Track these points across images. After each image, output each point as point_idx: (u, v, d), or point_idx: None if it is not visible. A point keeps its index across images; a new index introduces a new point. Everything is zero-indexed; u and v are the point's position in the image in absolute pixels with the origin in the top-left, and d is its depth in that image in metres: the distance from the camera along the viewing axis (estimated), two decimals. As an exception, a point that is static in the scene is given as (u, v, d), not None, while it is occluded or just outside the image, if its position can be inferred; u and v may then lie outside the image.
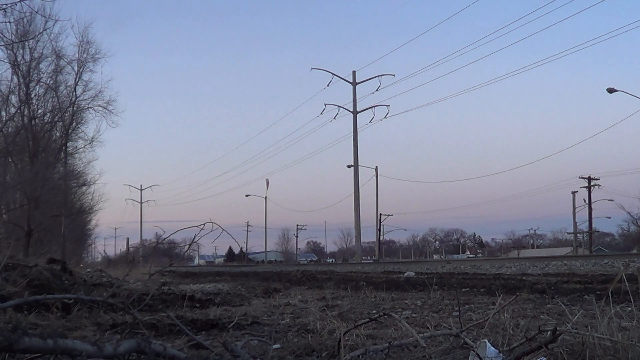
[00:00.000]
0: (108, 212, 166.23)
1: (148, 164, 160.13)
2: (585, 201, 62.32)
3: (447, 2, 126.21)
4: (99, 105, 37.57)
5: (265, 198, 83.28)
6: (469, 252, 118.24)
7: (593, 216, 61.92)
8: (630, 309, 4.48)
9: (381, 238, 66.94)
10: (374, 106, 47.06)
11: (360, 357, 3.13)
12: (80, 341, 2.87)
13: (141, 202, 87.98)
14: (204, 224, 4.36)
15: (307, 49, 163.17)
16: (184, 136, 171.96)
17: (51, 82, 34.85)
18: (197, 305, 7.39)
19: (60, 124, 37.06)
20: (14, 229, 26.85)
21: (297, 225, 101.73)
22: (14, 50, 30.58)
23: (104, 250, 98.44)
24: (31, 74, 32.88)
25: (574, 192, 64.47)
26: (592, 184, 61.73)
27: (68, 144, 38.25)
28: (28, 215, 27.10)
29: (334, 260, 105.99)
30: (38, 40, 31.31)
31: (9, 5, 12.21)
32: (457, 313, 4.88)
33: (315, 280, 13.65)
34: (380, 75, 46.36)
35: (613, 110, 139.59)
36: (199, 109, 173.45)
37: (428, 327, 4.60)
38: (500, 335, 3.65)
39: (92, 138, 39.12)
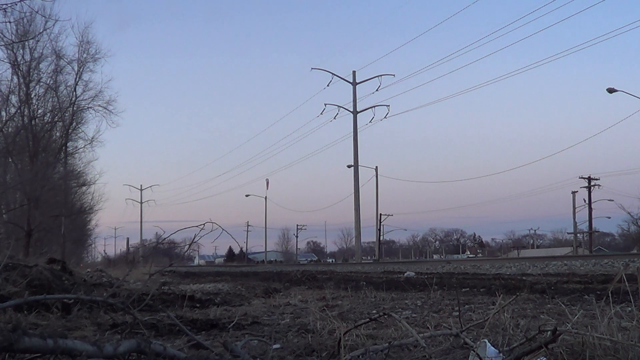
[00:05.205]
0: (108, 212, 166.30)
1: (148, 164, 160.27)
2: (585, 201, 62.34)
3: (447, 2, 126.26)
4: (99, 105, 37.55)
5: (265, 198, 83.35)
6: (469, 252, 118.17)
7: (593, 216, 61.97)
8: (630, 309, 4.48)
9: (381, 238, 66.93)
10: (374, 106, 47.11)
11: (360, 357, 3.13)
12: (80, 341, 2.87)
13: (141, 202, 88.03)
14: (204, 224, 4.36)
15: (307, 49, 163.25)
16: (183, 136, 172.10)
17: (51, 82, 34.85)
18: (197, 305, 7.39)
19: (60, 124, 37.05)
20: (14, 229, 26.84)
21: (297, 225, 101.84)
22: (14, 50, 30.56)
23: (104, 250, 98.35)
24: (31, 74, 32.87)
25: (574, 192, 64.49)
26: (592, 184, 61.74)
27: (68, 144, 38.26)
28: (28, 215, 27.09)
29: (334, 260, 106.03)
30: (38, 40, 31.31)
31: (9, 5, 12.20)
32: (457, 313, 4.88)
33: (315, 280, 13.65)
34: (380, 75, 46.41)
35: (613, 110, 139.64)
36: (199, 109, 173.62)
37: (428, 327, 4.60)
38: (500, 335, 3.65)
39: (92, 138, 39.10)
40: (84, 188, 42.34)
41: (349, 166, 47.99)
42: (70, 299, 5.79)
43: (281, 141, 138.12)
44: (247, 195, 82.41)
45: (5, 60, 29.81)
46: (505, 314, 4.40)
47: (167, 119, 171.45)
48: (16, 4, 12.19)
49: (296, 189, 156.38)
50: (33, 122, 33.43)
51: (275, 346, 3.88)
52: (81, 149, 40.35)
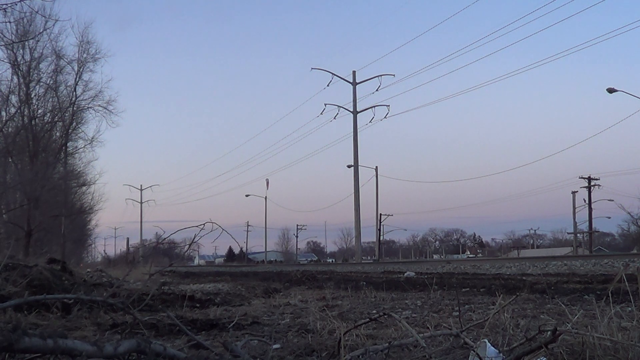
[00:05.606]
0: (108, 212, 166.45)
1: (148, 164, 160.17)
2: (585, 201, 62.34)
3: (447, 2, 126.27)
4: (99, 105, 37.61)
5: (265, 198, 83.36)
6: (469, 252, 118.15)
7: (593, 216, 61.97)
8: (630, 309, 4.48)
9: (381, 238, 66.92)
10: (374, 106, 47.11)
11: (360, 357, 3.13)
12: (80, 341, 2.87)
13: (141, 202, 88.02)
14: (204, 224, 4.36)
15: (307, 49, 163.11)
16: (184, 136, 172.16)
17: (51, 82, 34.89)
18: (197, 305, 7.39)
19: (60, 124, 37.09)
20: (14, 229, 26.85)
21: (297, 225, 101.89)
22: (14, 50, 30.60)
23: (104, 250, 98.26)
24: (31, 74, 32.90)
25: (574, 192, 64.50)
26: (592, 184, 61.74)
27: (68, 144, 38.29)
28: (28, 215, 27.10)
29: (334, 260, 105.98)
30: (38, 40, 31.36)
31: (9, 5, 12.21)
32: (457, 313, 4.88)
33: (315, 280, 13.65)
34: (380, 75, 46.40)
35: (613, 110, 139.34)
36: (199, 109, 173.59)
37: (428, 327, 4.59)
38: (500, 335, 3.65)
39: (92, 138, 39.14)
40: (84, 188, 42.42)
41: (349, 166, 48.02)
42: (70, 299, 5.79)
43: (281, 141, 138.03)
44: (247, 195, 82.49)
45: (5, 60, 29.88)
46: (505, 314, 4.40)
47: (167, 119, 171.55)
48: (16, 4, 12.20)
49: (296, 189, 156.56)
50: (33, 122, 33.46)
51: (275, 346, 3.88)
52: (81, 149, 40.45)
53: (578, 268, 15.89)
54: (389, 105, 46.78)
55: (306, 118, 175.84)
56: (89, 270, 21.25)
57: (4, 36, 23.77)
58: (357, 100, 46.97)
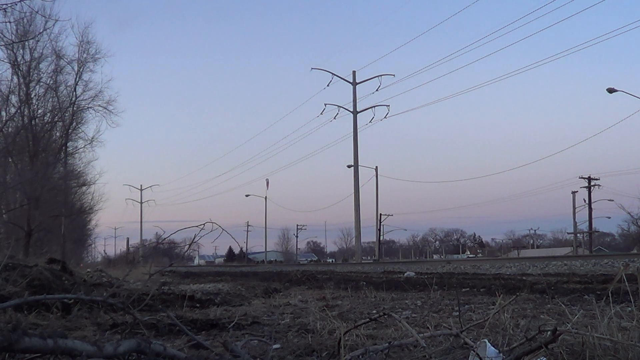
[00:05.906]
0: (108, 212, 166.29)
1: (148, 164, 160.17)
2: (585, 201, 62.34)
3: (447, 2, 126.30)
4: (99, 105, 37.64)
5: (265, 198, 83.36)
6: (469, 252, 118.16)
7: (593, 216, 61.96)
8: (630, 309, 4.48)
9: (381, 238, 66.93)
10: (374, 106, 47.10)
11: (360, 357, 3.13)
12: (80, 341, 2.87)
13: (141, 202, 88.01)
14: (204, 224, 4.37)
15: (307, 49, 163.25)
16: (184, 136, 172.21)
17: (51, 82, 34.91)
18: (197, 305, 7.39)
19: (60, 124, 37.11)
20: (14, 229, 26.85)
21: (297, 225, 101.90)
22: (14, 50, 30.62)
23: (104, 250, 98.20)
24: (31, 74, 32.91)
25: (574, 192, 64.50)
26: (592, 184, 61.75)
27: (68, 144, 38.31)
28: (28, 215, 27.10)
29: (334, 260, 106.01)
30: (38, 40, 31.38)
31: (9, 5, 12.21)
32: (457, 313, 4.88)
33: (315, 280, 13.64)
34: (380, 75, 46.38)
35: (613, 110, 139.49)
36: (199, 109, 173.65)
37: (428, 327, 4.59)
38: (500, 335, 3.65)
39: (92, 138, 39.16)
40: (84, 188, 42.43)
41: (349, 166, 48.02)
42: (70, 299, 5.79)
43: (281, 141, 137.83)
44: (247, 195, 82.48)
45: (5, 60, 29.89)
46: (505, 314, 4.40)
47: (167, 119, 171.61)
48: (16, 4, 12.20)
49: (296, 189, 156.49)
50: (33, 122, 33.47)
51: (275, 346, 3.88)
52: (81, 149, 40.47)
53: (578, 268, 15.89)
54: (389, 105, 46.82)
55: (306, 118, 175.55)
56: (89, 270, 21.24)
57: (4, 36, 23.80)
58: (357, 100, 46.99)
